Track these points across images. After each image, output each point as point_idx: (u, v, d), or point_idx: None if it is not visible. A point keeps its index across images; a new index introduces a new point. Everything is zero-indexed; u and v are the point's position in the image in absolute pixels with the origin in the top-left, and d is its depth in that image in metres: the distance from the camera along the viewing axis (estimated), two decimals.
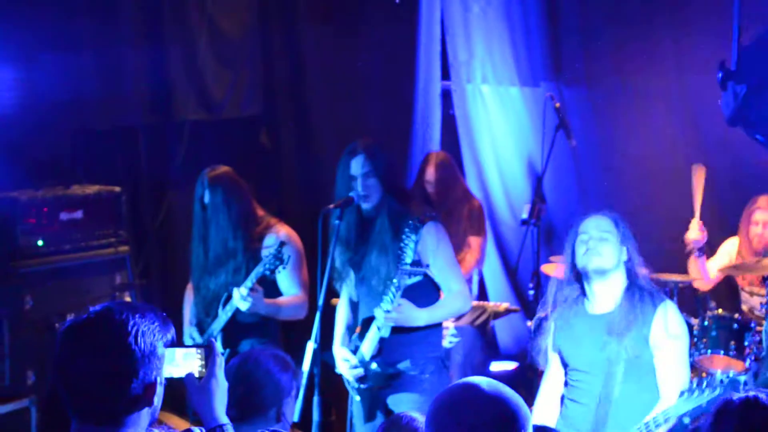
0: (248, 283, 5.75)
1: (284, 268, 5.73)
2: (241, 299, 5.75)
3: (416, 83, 8.72)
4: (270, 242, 5.95)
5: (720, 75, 5.38)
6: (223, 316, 5.95)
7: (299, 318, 6.07)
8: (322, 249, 5.48)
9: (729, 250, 7.44)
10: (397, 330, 5.46)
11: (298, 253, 6.02)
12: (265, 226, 6.06)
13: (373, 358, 5.56)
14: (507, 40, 8.69)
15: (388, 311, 5.35)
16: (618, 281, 5.07)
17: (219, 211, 5.98)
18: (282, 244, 5.73)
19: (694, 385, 4.63)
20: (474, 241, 7.62)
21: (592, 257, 5.00)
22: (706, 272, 7.29)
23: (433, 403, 2.87)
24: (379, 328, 5.45)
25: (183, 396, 3.31)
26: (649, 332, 4.93)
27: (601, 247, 5.02)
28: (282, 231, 6.04)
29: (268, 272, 5.72)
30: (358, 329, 5.72)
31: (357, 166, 5.51)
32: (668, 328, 4.95)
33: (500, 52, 8.73)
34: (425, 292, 5.54)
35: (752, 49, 5.88)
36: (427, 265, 5.36)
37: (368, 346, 5.55)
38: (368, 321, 5.60)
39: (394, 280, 5.33)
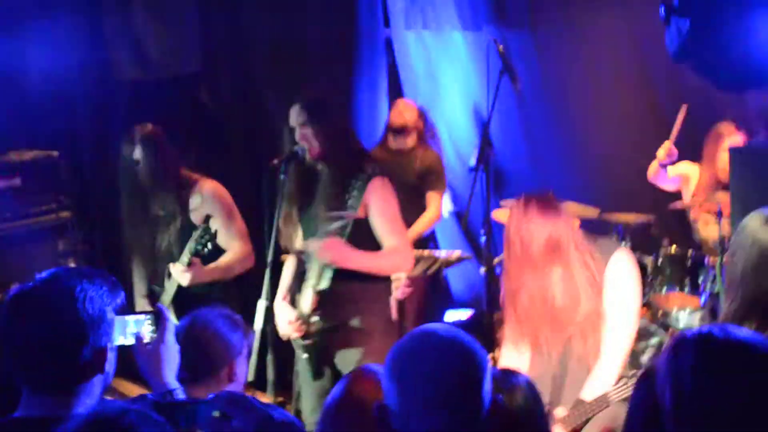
0: (183, 259, 5.65)
1: (213, 242, 5.63)
2: (178, 275, 5.68)
3: (357, 31, 8.61)
4: (196, 201, 5.86)
5: (662, 10, 5.31)
6: (170, 288, 5.86)
7: (248, 268, 5.97)
8: (269, 205, 5.39)
9: (685, 170, 7.40)
10: (340, 284, 5.35)
11: (226, 205, 5.92)
12: (188, 183, 5.95)
13: (314, 311, 5.45)
14: None
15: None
16: None
17: (149, 168, 5.87)
18: (208, 218, 5.61)
19: (630, 374, 4.61)
20: (432, 197, 7.59)
21: None
22: (663, 176, 7.29)
23: (390, 354, 2.81)
24: (312, 282, 5.35)
25: (134, 362, 3.24)
26: (603, 278, 4.87)
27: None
28: (206, 187, 5.93)
29: (200, 247, 5.62)
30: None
31: (294, 116, 5.38)
32: (618, 280, 4.87)
33: None
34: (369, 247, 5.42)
35: None
36: (354, 212, 5.25)
37: (305, 298, 5.44)
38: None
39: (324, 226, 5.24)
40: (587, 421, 4.74)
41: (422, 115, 7.93)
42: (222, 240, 5.86)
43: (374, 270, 5.47)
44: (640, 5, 7.58)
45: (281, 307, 5.56)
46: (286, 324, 5.49)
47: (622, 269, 4.88)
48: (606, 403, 4.66)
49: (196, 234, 5.62)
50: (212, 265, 5.82)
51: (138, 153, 5.89)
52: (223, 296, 5.86)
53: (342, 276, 5.34)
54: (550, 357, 4.99)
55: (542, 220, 4.78)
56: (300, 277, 5.57)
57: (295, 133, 5.37)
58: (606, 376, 4.79)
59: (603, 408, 4.67)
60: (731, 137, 7.09)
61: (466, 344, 2.77)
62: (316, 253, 5.27)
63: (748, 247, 3.50)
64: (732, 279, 3.57)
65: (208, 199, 5.83)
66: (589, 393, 4.77)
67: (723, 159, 7.05)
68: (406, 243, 5.56)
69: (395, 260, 5.49)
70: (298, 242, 5.62)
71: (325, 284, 5.35)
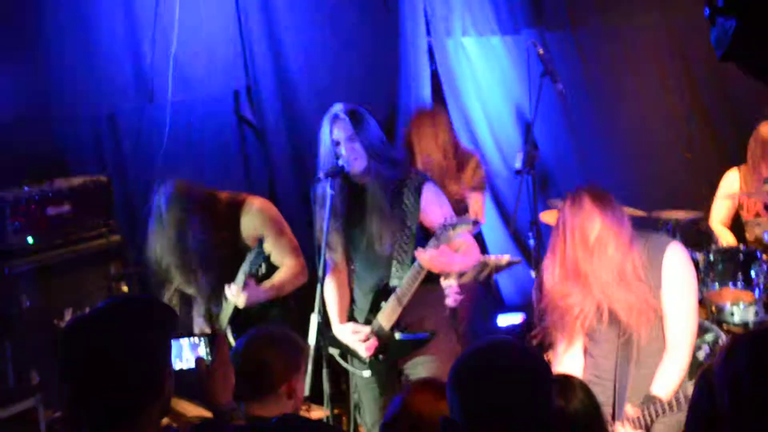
0: (239, 281, 5.65)
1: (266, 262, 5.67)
2: (234, 297, 5.68)
3: (400, 40, 8.62)
4: (246, 221, 5.82)
5: (707, 10, 5.27)
6: (227, 308, 5.86)
7: (302, 284, 5.96)
8: (318, 220, 5.42)
9: (730, 184, 7.35)
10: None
11: (276, 221, 5.88)
12: (236, 205, 5.93)
13: (393, 327, 5.45)
14: None
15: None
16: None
17: (186, 228, 5.85)
18: (261, 241, 5.62)
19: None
20: (474, 198, 7.54)
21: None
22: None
23: (456, 366, 2.85)
24: (399, 296, 5.34)
25: (191, 382, 3.27)
26: (660, 273, 4.84)
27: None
28: (254, 207, 5.88)
29: (254, 269, 5.64)
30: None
31: (339, 130, 5.34)
32: (676, 272, 4.84)
33: (478, 3, 8.65)
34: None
35: None
36: (468, 216, 5.21)
37: (389, 314, 5.42)
38: (375, 291, 5.50)
39: (437, 234, 5.18)
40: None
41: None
42: (274, 256, 5.88)
43: (468, 268, 5.71)
44: (681, 3, 7.55)
45: (347, 327, 5.56)
46: (360, 343, 5.48)
47: (677, 263, 4.86)
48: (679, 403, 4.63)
49: (250, 256, 5.63)
50: (267, 283, 5.83)
51: (169, 213, 5.85)
52: (282, 314, 5.88)
53: None
54: (607, 356, 4.97)
55: (596, 212, 4.76)
56: (374, 293, 5.55)
57: (338, 147, 5.36)
58: (675, 371, 4.78)
59: (675, 407, 4.65)
60: None
61: (531, 355, 2.78)
62: (425, 262, 5.24)
63: None
64: None
65: (257, 217, 5.82)
66: (659, 388, 4.75)
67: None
68: (472, 237, 5.58)
69: (475, 254, 5.60)
70: (340, 260, 5.63)
71: (407, 299, 5.37)
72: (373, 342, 5.47)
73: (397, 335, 5.42)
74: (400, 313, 5.40)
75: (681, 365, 4.80)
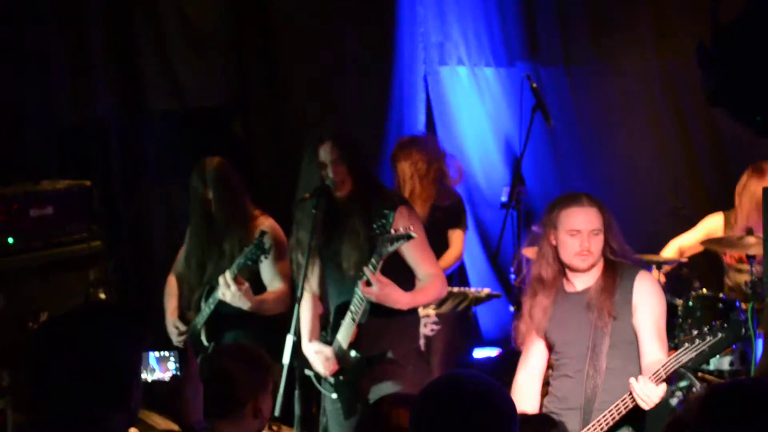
0: (231, 272, 5.65)
1: (266, 257, 5.64)
2: (224, 287, 5.65)
3: (395, 66, 8.63)
4: (256, 235, 5.85)
5: (699, 55, 5.32)
6: (206, 309, 5.90)
7: (281, 311, 5.96)
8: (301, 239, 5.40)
9: (709, 226, 7.34)
10: (375, 317, 5.29)
11: (279, 245, 5.92)
12: (250, 219, 6.01)
13: (350, 346, 5.42)
14: (481, 21, 8.64)
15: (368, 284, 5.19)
16: (599, 262, 5.03)
17: (220, 204, 5.96)
18: (263, 233, 5.64)
19: (694, 334, 4.58)
20: (455, 235, 7.51)
21: (586, 258, 4.95)
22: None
23: (420, 399, 2.82)
24: (352, 315, 5.31)
25: (162, 395, 3.26)
26: (632, 300, 4.89)
27: (593, 245, 4.94)
28: (265, 224, 5.98)
29: (250, 262, 5.62)
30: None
31: (326, 153, 5.33)
32: (647, 294, 4.91)
33: (474, 33, 8.68)
34: (401, 278, 5.34)
35: (731, 30, 5.82)
36: (409, 229, 5.12)
37: (345, 332, 5.38)
38: (341, 310, 5.45)
39: (376, 249, 5.12)
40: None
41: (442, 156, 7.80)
42: (266, 276, 5.94)
43: (421, 304, 5.50)
44: (675, 44, 7.57)
45: (312, 346, 5.53)
46: (324, 362, 5.45)
47: (647, 290, 4.93)
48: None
49: (247, 249, 5.63)
50: (258, 297, 5.84)
51: (209, 190, 5.97)
52: (252, 325, 5.88)
53: (375, 308, 5.29)
54: (580, 377, 4.98)
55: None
56: (335, 313, 5.53)
57: (325, 169, 5.34)
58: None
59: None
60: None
61: (495, 396, 2.77)
62: (362, 290, 5.19)
63: None
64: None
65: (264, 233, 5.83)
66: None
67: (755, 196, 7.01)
68: (440, 268, 5.57)
69: (436, 289, 5.46)
70: (315, 280, 5.62)
71: (364, 317, 5.30)
72: (334, 363, 5.43)
73: (353, 353, 5.38)
74: (357, 333, 5.34)
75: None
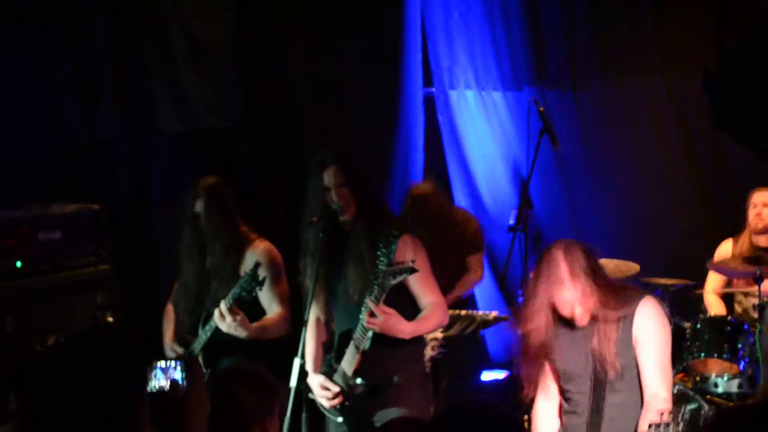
0: (227, 303, 5.59)
1: (260, 289, 5.59)
2: (219, 318, 5.60)
3: (400, 89, 8.65)
4: (248, 261, 5.82)
5: (704, 80, 5.33)
6: (203, 336, 5.82)
7: (281, 335, 5.94)
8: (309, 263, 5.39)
9: (721, 255, 7.34)
10: (378, 343, 5.24)
11: (277, 268, 5.88)
12: (246, 239, 5.96)
13: (355, 373, 5.39)
14: (489, 45, 8.68)
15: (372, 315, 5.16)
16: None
17: (209, 219, 5.91)
18: (257, 265, 5.57)
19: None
20: (473, 259, 7.53)
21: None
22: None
23: (433, 425, 2.82)
24: (356, 343, 5.29)
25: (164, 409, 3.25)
26: (631, 333, 4.81)
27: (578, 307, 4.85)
28: (260, 247, 5.92)
29: (245, 293, 5.57)
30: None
31: (329, 177, 5.30)
32: (648, 326, 4.81)
33: (482, 57, 8.72)
34: (402, 306, 5.31)
35: (735, 54, 5.83)
36: (413, 261, 5.11)
37: (349, 361, 5.34)
38: (345, 335, 5.41)
39: (378, 280, 5.09)
40: None
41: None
42: (264, 300, 5.86)
43: (424, 333, 5.47)
44: (681, 67, 7.58)
45: (317, 379, 5.48)
46: (330, 399, 5.41)
47: (649, 319, 4.81)
48: None
49: (242, 280, 5.57)
50: (257, 324, 5.78)
51: (199, 205, 5.92)
52: (251, 351, 5.86)
53: (379, 335, 5.24)
54: (583, 410, 4.94)
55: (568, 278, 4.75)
56: (339, 338, 5.51)
57: (329, 193, 5.31)
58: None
59: None
60: None
61: (507, 425, 2.77)
62: (366, 322, 5.16)
63: None
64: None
65: (261, 257, 5.79)
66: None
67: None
68: (443, 297, 5.52)
69: (439, 318, 5.44)
70: (320, 305, 5.60)
71: (368, 345, 5.27)
72: (339, 398, 5.40)
73: (358, 380, 5.35)
74: (361, 361, 5.30)
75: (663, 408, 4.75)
